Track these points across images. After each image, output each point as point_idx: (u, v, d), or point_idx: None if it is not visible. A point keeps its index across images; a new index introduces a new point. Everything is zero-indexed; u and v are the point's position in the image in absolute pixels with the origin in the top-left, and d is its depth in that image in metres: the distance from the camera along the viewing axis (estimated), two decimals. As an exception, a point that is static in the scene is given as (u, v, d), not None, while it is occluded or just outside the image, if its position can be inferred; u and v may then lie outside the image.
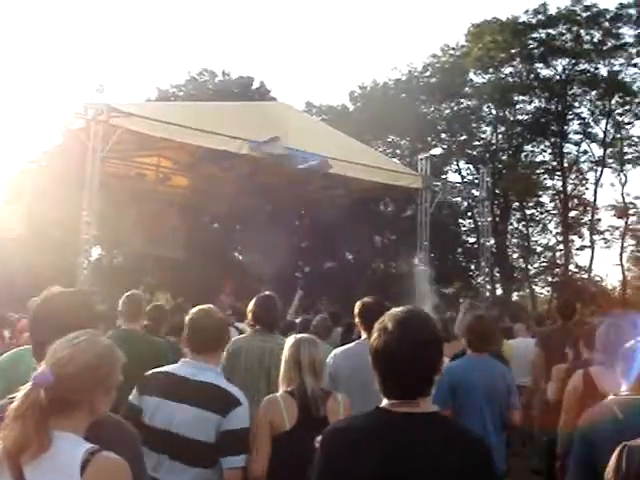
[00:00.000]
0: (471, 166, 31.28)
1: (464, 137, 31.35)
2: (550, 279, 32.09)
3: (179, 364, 3.52)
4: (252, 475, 3.38)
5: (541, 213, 32.21)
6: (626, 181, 30.35)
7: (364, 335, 4.77)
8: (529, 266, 31.88)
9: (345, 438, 2.14)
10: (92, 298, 2.83)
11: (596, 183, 30.29)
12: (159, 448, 3.28)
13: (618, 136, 30.34)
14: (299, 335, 3.90)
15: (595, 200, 30.46)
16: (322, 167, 13.76)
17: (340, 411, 3.57)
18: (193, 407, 3.29)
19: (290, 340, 3.81)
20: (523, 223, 32.13)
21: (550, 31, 29.15)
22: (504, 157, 31.26)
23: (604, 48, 28.71)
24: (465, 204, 28.24)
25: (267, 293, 5.31)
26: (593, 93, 29.65)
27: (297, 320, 8.69)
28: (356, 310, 4.83)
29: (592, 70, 29.33)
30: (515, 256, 32.40)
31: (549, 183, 31.60)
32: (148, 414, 3.33)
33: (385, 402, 2.15)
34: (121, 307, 5.33)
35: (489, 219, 19.96)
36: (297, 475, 3.16)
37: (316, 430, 2.96)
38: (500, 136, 31.65)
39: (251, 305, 5.13)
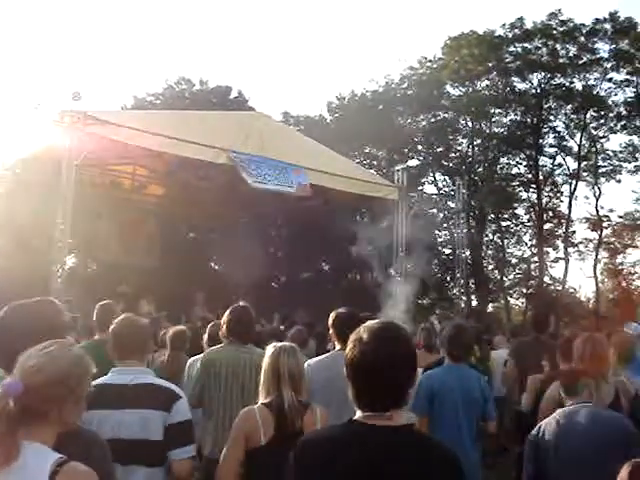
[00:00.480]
0: (447, 178, 31.47)
1: (440, 149, 31.53)
2: (525, 291, 32.36)
3: (112, 374, 3.56)
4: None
5: (516, 225, 32.50)
6: (600, 194, 30.79)
7: (338, 346, 4.80)
8: (504, 278, 32.11)
9: (317, 450, 2.15)
10: (57, 307, 2.85)
11: (570, 196, 30.61)
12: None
13: (593, 149, 30.68)
14: (279, 344, 3.85)
15: (569, 213, 30.81)
16: (299, 191, 13.72)
17: (317, 424, 3.52)
18: (138, 409, 3.35)
19: (270, 349, 3.75)
20: (498, 235, 32.34)
21: (526, 45, 29.43)
22: (480, 169, 31.44)
23: (579, 62, 29.04)
24: (441, 215, 28.39)
25: (242, 304, 5.28)
26: (568, 107, 29.95)
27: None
28: (330, 321, 4.87)
29: (567, 84, 29.63)
30: (490, 268, 32.59)
31: (524, 195, 31.91)
32: (94, 428, 3.30)
33: (359, 414, 2.15)
34: (94, 318, 5.31)
35: (465, 231, 20.06)
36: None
37: (292, 445, 3.02)
38: (476, 148, 31.86)
39: (225, 316, 5.11)
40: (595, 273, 30.99)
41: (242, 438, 3.47)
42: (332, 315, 4.86)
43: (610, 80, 29.29)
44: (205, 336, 6.16)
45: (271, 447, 3.41)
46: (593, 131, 30.42)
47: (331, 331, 4.87)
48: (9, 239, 13.87)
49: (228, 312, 5.10)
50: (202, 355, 5.14)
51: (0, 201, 13.89)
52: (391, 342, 2.14)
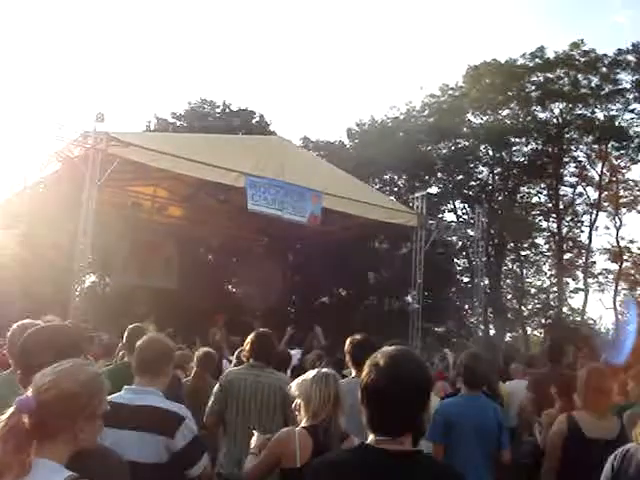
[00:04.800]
0: (467, 206, 31.31)
1: (461, 177, 31.43)
2: (543, 321, 32.06)
3: (122, 391, 3.53)
4: None
5: (535, 254, 32.28)
6: (621, 225, 30.55)
7: (353, 372, 4.77)
8: (522, 307, 31.82)
9: (329, 474, 2.16)
10: (76, 330, 2.90)
11: (591, 226, 30.46)
12: None
13: (614, 179, 30.49)
14: (324, 369, 3.76)
15: (590, 243, 30.59)
16: (310, 222, 13.87)
17: None
18: (137, 431, 3.31)
19: (315, 373, 3.62)
20: (517, 264, 32.16)
21: (548, 75, 29.43)
22: (500, 197, 31.34)
23: (601, 93, 28.96)
24: (460, 243, 28.28)
25: (264, 329, 5.35)
26: (589, 137, 29.82)
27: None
28: (346, 347, 4.86)
29: (589, 114, 29.53)
30: (509, 297, 32.36)
31: (544, 225, 31.72)
32: None
33: (371, 438, 2.16)
34: (125, 339, 5.31)
35: (483, 259, 19.96)
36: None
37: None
38: (496, 177, 31.77)
39: (249, 339, 5.17)
40: (614, 304, 30.69)
41: (275, 457, 3.42)
42: (348, 341, 4.86)
43: (632, 111, 29.14)
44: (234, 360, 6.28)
45: (305, 471, 3.33)
46: (614, 161, 30.25)
47: (347, 357, 4.86)
48: (31, 256, 13.96)
49: (252, 336, 5.16)
50: (223, 375, 5.16)
51: (23, 218, 13.99)
52: (406, 368, 2.16)
